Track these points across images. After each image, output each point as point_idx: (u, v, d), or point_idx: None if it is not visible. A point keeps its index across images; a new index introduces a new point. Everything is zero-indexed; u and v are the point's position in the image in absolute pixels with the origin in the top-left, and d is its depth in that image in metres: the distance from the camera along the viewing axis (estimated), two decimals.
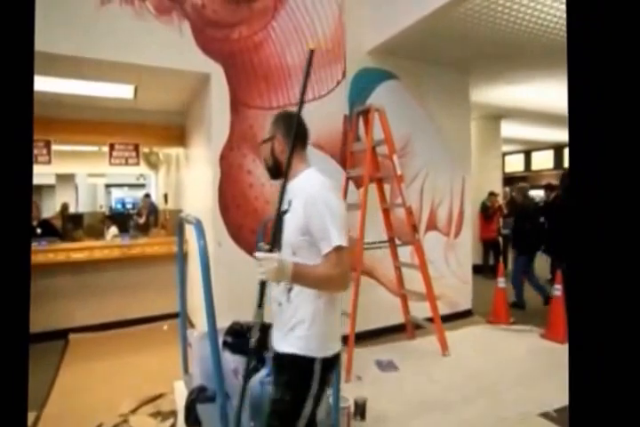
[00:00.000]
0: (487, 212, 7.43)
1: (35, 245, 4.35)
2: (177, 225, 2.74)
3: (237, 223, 3.78)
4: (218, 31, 3.67)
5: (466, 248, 5.22)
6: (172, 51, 3.50)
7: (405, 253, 4.24)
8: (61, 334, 4.39)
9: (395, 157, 3.79)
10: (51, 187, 11.66)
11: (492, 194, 7.59)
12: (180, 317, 2.83)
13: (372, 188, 4.02)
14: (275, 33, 3.88)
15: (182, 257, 2.81)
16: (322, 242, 1.47)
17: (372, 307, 4.14)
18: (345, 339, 3.44)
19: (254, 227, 3.70)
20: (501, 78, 5.62)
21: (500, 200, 8.06)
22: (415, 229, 3.93)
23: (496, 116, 8.11)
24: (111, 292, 4.71)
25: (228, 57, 3.71)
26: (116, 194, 14.72)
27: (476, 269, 6.14)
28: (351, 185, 4.13)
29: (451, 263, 5.02)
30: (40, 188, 11.42)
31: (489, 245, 7.61)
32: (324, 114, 4.12)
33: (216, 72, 3.69)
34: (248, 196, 3.81)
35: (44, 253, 4.35)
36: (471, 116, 5.78)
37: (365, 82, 4.42)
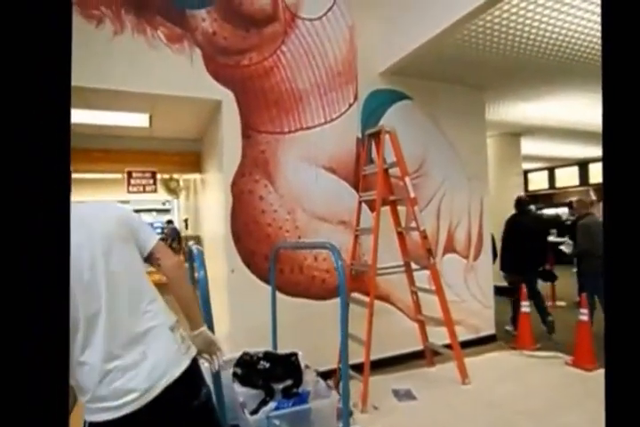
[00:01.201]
0: None
1: None
2: (187, 253, 2.76)
3: (250, 250, 3.74)
4: (228, 58, 3.71)
5: (487, 271, 5.06)
6: (183, 79, 3.54)
7: (423, 277, 4.10)
8: None
9: (407, 180, 3.72)
10: None
11: None
12: None
13: (388, 210, 3.96)
14: (285, 58, 3.91)
15: (193, 284, 2.81)
16: None
17: (388, 333, 4.02)
18: (360, 367, 3.37)
19: (267, 253, 3.66)
20: (518, 95, 5.54)
21: None
22: (430, 253, 3.82)
23: (515, 133, 7.95)
24: None
25: (238, 83, 3.74)
26: (145, 219, 15.01)
27: (504, 292, 5.93)
28: (366, 209, 4.08)
29: (471, 287, 4.87)
30: None
31: None
32: (336, 137, 4.11)
33: (227, 98, 3.71)
34: (260, 222, 3.78)
35: None
36: (488, 133, 5.69)
37: (378, 103, 4.40)
